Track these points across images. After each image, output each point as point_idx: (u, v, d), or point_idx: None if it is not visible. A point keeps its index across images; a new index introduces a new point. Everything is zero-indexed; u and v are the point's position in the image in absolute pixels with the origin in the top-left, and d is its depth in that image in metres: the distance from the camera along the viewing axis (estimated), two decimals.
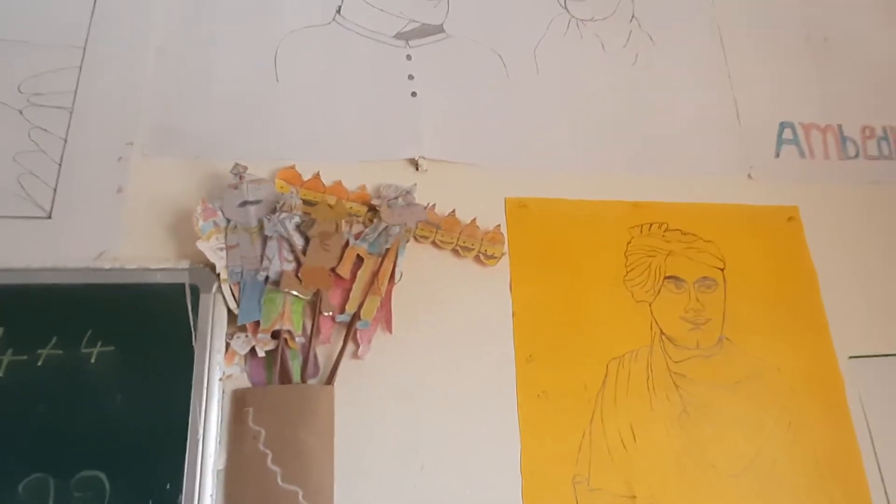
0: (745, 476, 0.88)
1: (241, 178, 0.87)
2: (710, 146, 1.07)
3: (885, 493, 0.92)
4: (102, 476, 0.71)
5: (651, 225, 0.99)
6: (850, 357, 0.97)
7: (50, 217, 0.85)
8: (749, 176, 1.06)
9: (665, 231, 0.99)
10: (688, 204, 1.01)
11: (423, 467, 0.80)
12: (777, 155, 1.09)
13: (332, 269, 0.85)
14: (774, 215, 1.04)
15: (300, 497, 0.76)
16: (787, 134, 1.11)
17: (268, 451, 0.76)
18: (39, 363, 0.75)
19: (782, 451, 0.90)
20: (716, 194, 1.03)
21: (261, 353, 0.81)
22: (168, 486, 0.72)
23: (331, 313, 0.84)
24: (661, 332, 0.93)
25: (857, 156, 1.12)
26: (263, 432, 0.77)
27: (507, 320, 0.89)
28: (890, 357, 0.98)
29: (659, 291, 0.95)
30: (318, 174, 0.90)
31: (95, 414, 0.74)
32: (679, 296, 0.96)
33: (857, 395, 0.95)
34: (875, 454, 0.94)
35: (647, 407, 0.89)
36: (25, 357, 0.74)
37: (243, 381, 0.80)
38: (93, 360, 0.76)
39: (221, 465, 0.76)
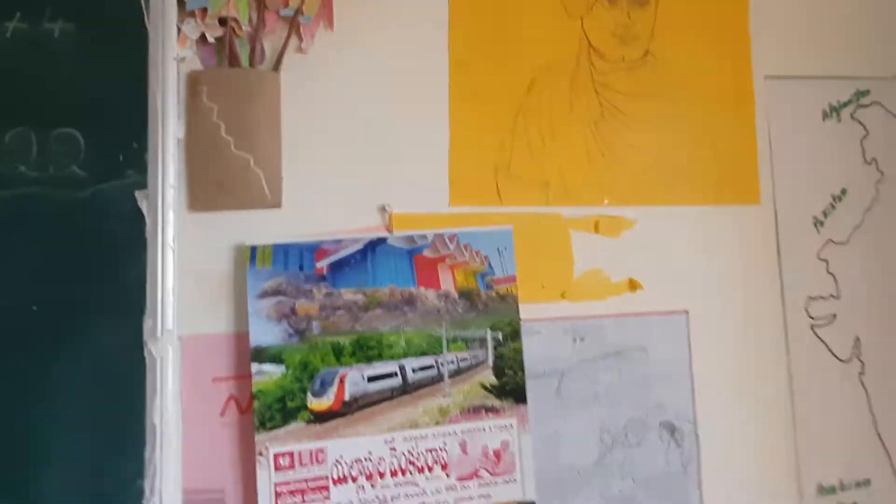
0: (649, 174, 1.01)
1: None
2: None
3: (774, 201, 1.06)
4: (77, 133, 0.84)
5: None
6: (766, 77, 1.05)
7: None
8: None
9: None
10: None
11: (364, 156, 0.93)
12: None
13: None
14: None
15: (251, 163, 0.88)
16: None
17: (221, 123, 0.87)
18: (8, 35, 0.83)
19: (686, 155, 1.03)
20: None
21: (210, 39, 0.88)
22: (135, 145, 0.85)
23: (276, 8, 0.91)
24: (590, 45, 1.00)
25: None
26: (216, 108, 0.88)
27: (443, 25, 0.96)
28: (802, 79, 1.06)
29: (592, 7, 1.00)
30: None
31: (66, 84, 0.85)
32: (611, 12, 1.01)
33: (764, 113, 1.05)
34: (772, 166, 1.06)
35: (567, 110, 0.99)
36: None
37: (197, 65, 0.89)
38: (56, 35, 0.84)
39: (181, 135, 0.87)
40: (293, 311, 0.87)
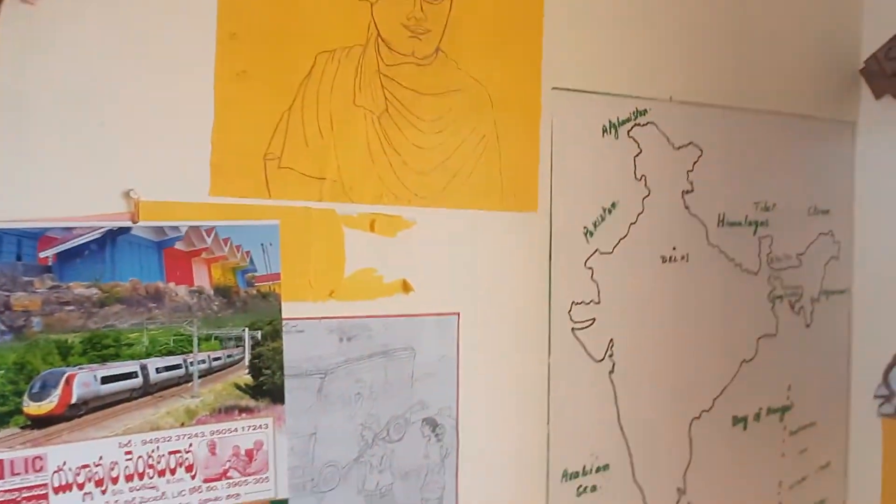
0: (432, 175, 1.01)
1: None
2: None
3: (550, 210, 1.11)
4: None
5: None
6: (554, 88, 1.08)
7: None
8: None
9: None
10: None
11: (102, 122, 0.82)
12: None
13: None
14: None
15: None
16: None
17: None
18: None
19: (470, 160, 1.03)
20: None
21: None
22: None
23: None
24: (379, 34, 0.96)
25: None
26: None
27: None
28: (587, 93, 1.11)
29: None
30: None
31: None
32: (403, 2, 0.97)
33: (549, 123, 1.09)
34: (551, 175, 1.11)
35: (349, 102, 0.94)
36: None
37: None
38: None
39: None
40: (7, 305, 0.76)
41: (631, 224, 1.15)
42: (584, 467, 1.15)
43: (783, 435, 1.36)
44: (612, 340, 1.15)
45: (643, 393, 1.19)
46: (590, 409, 1.14)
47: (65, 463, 0.80)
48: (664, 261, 1.20)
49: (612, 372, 1.16)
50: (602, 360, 1.15)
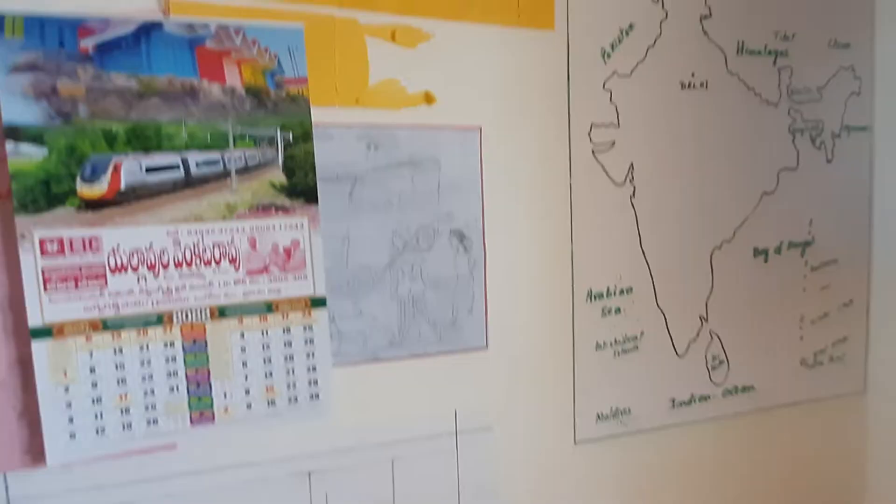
0: None
1: None
2: None
3: (568, 29, 1.12)
4: None
5: None
6: None
7: None
8: None
9: None
10: None
11: None
12: None
13: None
14: None
15: None
16: None
17: None
18: None
19: None
20: None
21: None
22: None
23: None
24: None
25: None
26: None
27: None
28: None
29: None
30: None
31: None
32: None
33: None
34: None
35: None
36: None
37: None
38: None
39: None
40: (54, 90, 0.81)
41: (649, 47, 1.16)
42: (608, 289, 1.18)
43: (804, 270, 1.38)
44: (632, 164, 1.17)
45: (664, 219, 1.21)
46: (612, 232, 1.17)
47: (119, 245, 0.86)
48: (683, 87, 1.20)
49: (633, 196, 1.18)
50: (623, 183, 1.17)
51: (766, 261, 1.32)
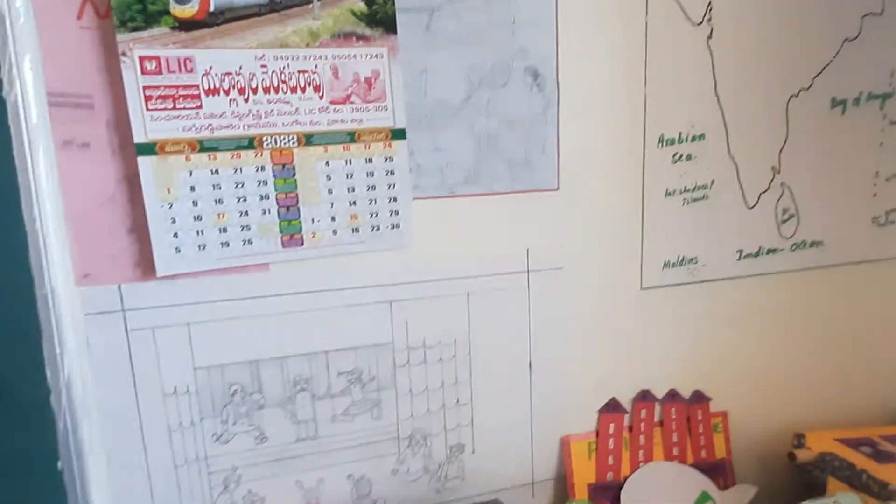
0: None
1: None
2: None
3: None
4: None
5: None
6: None
7: None
8: None
9: None
10: None
11: None
12: None
13: None
14: None
15: None
16: None
17: None
18: None
19: None
20: None
21: None
22: None
23: None
24: None
25: None
26: None
27: None
28: None
29: None
30: None
31: None
32: None
33: None
34: None
35: None
36: None
37: None
38: None
39: None
40: None
41: None
42: (679, 134, 1.17)
43: (882, 124, 1.33)
44: (710, 3, 1.13)
45: (741, 63, 1.18)
46: (687, 76, 1.15)
47: (211, 68, 0.88)
48: None
49: (709, 38, 1.15)
50: (700, 23, 1.14)
51: (843, 112, 1.28)
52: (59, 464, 0.91)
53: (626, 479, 1.24)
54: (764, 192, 1.26)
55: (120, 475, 0.96)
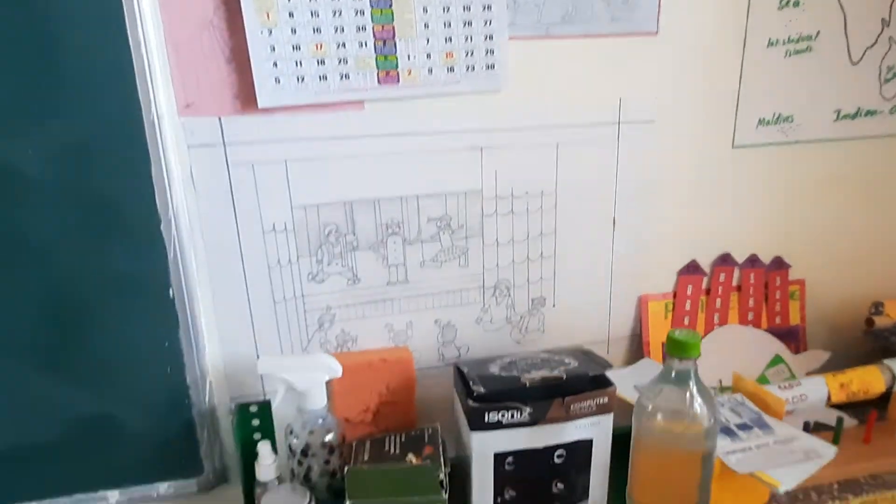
0: None
1: None
2: None
3: None
4: None
5: None
6: None
7: None
8: None
9: None
10: None
11: None
12: None
13: None
14: None
15: None
16: None
17: None
18: None
19: None
20: None
21: None
22: None
23: None
24: None
25: None
26: None
27: None
28: None
29: None
30: None
31: None
32: None
33: None
34: None
35: None
36: None
37: None
38: None
39: None
40: None
41: None
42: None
43: None
44: None
45: None
46: None
47: None
48: None
49: None
50: None
51: None
52: (171, 291, 0.95)
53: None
54: (870, 46, 1.18)
55: (224, 307, 1.01)
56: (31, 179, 0.85)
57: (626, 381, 1.06)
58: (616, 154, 1.11)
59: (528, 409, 0.91)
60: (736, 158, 1.18)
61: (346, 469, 0.92)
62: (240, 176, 0.95)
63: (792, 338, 1.31)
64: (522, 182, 1.08)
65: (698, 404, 0.78)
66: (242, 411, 1.00)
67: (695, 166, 1.17)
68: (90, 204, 0.88)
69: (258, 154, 0.95)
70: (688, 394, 0.78)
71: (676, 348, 0.77)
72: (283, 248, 1.00)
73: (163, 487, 1.04)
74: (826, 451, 0.87)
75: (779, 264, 1.29)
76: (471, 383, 0.93)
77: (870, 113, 1.23)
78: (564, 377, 0.94)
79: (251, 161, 0.95)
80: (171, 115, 0.89)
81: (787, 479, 0.81)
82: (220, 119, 0.92)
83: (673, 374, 0.78)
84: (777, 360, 1.30)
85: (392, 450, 1.01)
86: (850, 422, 1.14)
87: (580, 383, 0.95)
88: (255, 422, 1.01)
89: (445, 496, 0.89)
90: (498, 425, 0.91)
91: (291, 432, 0.97)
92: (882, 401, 1.16)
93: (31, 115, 0.83)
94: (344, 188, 1.00)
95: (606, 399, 0.94)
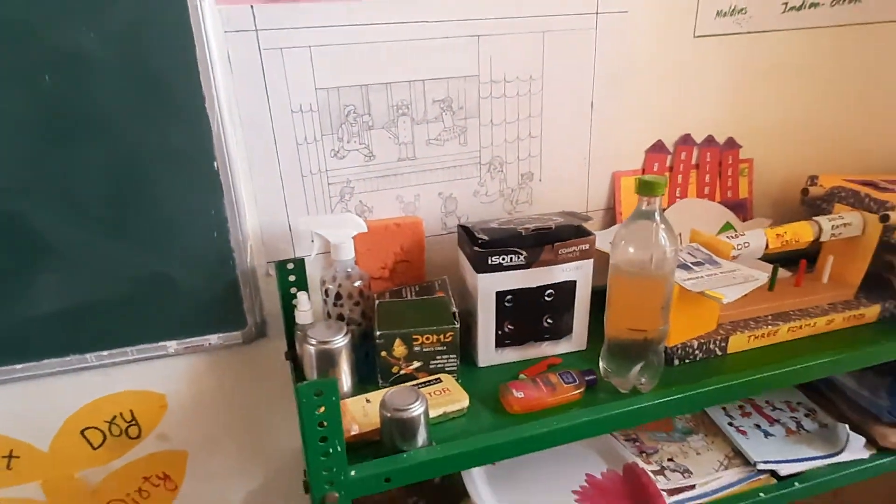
0: None
1: None
2: None
3: None
4: None
5: None
6: None
7: None
8: None
9: None
10: None
11: None
12: None
13: None
14: None
15: None
16: None
17: None
18: None
19: None
20: None
21: None
22: None
23: None
24: None
25: None
26: None
27: None
28: None
29: None
30: None
31: None
32: None
33: None
34: None
35: None
36: None
37: None
38: None
39: None
40: None
41: None
42: None
43: None
44: None
45: None
46: None
47: None
48: None
49: None
50: None
51: None
52: (215, 164, 1.09)
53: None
54: None
55: (260, 180, 1.16)
56: (94, 60, 0.97)
57: (603, 240, 1.25)
58: (594, 42, 1.27)
59: (523, 254, 1.10)
60: (697, 47, 1.35)
61: (375, 303, 1.12)
62: (271, 59, 1.08)
63: (741, 209, 1.53)
64: (514, 68, 1.23)
65: (662, 234, 0.97)
66: (281, 267, 1.17)
67: (661, 54, 1.33)
68: (145, 83, 1.01)
69: (286, 40, 1.08)
70: (654, 225, 0.97)
71: (645, 188, 0.96)
72: (309, 127, 1.15)
73: (213, 338, 1.22)
74: (760, 276, 1.09)
75: (731, 144, 1.48)
76: (476, 233, 1.12)
77: (813, 5, 1.40)
78: (553, 227, 1.14)
79: (280, 46, 1.08)
80: (210, 2, 1.01)
81: (729, 294, 1.03)
82: (252, 7, 1.04)
83: (643, 209, 0.97)
84: (727, 226, 1.51)
85: (409, 296, 1.20)
86: (784, 273, 1.38)
87: (567, 232, 1.14)
88: (292, 277, 1.18)
89: (457, 325, 1.09)
90: (499, 267, 1.10)
91: (325, 282, 1.15)
92: (813, 256, 1.40)
93: (93, 1, 0.94)
94: (360, 72, 1.14)
95: (587, 246, 1.14)
